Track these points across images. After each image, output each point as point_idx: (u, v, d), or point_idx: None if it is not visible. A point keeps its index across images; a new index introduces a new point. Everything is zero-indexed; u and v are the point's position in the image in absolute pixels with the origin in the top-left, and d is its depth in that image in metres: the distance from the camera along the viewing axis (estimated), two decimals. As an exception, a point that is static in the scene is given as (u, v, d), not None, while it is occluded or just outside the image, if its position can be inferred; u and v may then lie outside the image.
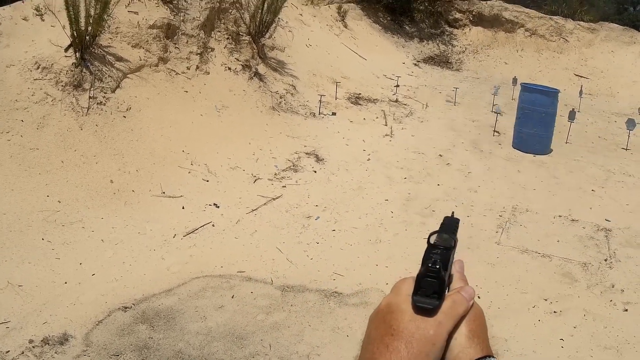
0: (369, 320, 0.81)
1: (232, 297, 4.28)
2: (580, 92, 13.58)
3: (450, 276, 0.82)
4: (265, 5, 9.02)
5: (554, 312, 4.65)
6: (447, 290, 0.80)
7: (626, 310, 4.89)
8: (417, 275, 0.78)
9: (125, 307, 3.96)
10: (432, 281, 0.76)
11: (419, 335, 0.74)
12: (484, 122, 10.54)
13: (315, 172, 7.00)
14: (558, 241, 6.03)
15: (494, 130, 9.93)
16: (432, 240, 0.82)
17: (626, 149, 10.12)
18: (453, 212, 0.97)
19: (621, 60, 16.67)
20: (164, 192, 5.66)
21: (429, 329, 0.74)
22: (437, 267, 0.77)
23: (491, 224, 6.27)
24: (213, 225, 5.36)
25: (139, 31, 6.93)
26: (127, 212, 5.25)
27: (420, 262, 0.78)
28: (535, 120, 9.07)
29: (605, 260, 5.78)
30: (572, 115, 9.76)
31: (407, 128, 9.42)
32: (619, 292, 5.17)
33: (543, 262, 5.58)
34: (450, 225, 0.88)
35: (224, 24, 8.60)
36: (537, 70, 16.35)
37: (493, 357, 0.76)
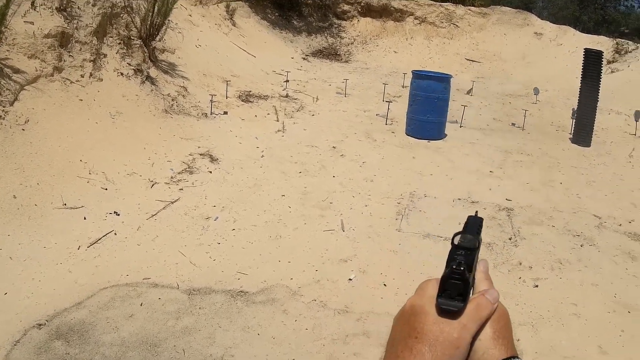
0: (393, 321, 0.81)
1: (141, 305, 4.32)
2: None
3: (473, 277, 0.82)
4: (156, 7, 9.04)
5: (464, 293, 4.78)
6: (471, 292, 0.79)
7: (536, 286, 5.03)
8: (442, 276, 0.78)
9: (40, 324, 3.98)
10: (457, 283, 0.76)
11: (442, 339, 0.74)
12: (375, 112, 10.77)
13: (210, 172, 7.08)
14: (459, 224, 5.99)
15: (387, 119, 10.16)
16: (456, 241, 0.83)
17: (522, 129, 10.46)
18: (477, 212, 0.98)
19: (514, 42, 17.15)
20: (65, 204, 5.65)
21: (453, 332, 0.74)
22: (462, 268, 0.77)
23: (390, 212, 6.32)
24: (115, 234, 5.37)
25: (35, 41, 6.81)
26: (32, 227, 5.19)
27: (445, 264, 0.79)
28: (428, 107, 9.18)
29: (510, 239, 5.87)
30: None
31: (298, 122, 9.60)
32: (527, 269, 5.28)
33: (446, 245, 5.45)
34: (474, 226, 0.90)
35: (115, 29, 8.52)
36: (427, 57, 16.71)
37: (518, 357, 0.75)
